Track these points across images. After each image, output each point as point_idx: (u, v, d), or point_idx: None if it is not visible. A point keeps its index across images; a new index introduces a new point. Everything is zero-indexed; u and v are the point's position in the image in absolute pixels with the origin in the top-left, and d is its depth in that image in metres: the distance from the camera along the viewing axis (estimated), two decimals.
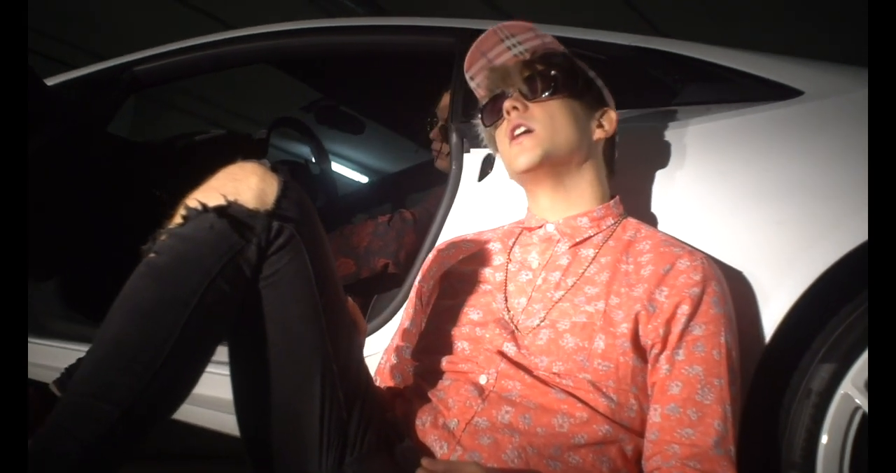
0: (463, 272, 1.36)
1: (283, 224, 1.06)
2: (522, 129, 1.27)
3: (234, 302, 1.03)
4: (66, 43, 5.70)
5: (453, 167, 1.72)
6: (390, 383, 1.40)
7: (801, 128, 1.39)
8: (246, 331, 1.08)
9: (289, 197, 1.07)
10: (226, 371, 1.13)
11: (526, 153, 1.26)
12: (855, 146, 1.28)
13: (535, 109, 1.30)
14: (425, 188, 3.27)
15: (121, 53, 2.35)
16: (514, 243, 1.36)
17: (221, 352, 1.10)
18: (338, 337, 1.11)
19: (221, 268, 1.01)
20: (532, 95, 1.30)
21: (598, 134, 1.34)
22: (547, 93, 1.30)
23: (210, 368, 1.06)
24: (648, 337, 1.15)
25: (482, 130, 1.44)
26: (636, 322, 1.15)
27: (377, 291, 1.99)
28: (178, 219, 1.04)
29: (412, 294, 1.45)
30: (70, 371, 1.81)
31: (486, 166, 1.68)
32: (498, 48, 1.38)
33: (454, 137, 1.73)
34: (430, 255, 1.45)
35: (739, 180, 1.38)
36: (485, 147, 1.70)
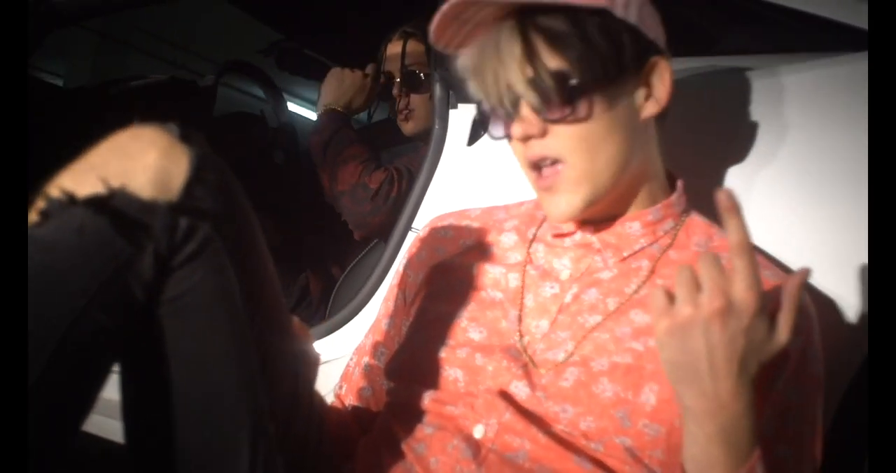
0: (464, 266, 1.01)
1: (195, 221, 0.72)
2: (547, 162, 0.90)
3: (117, 340, 0.70)
4: None
5: (436, 127, 1.42)
6: (356, 401, 1.09)
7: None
8: (138, 378, 0.75)
9: (205, 180, 0.73)
10: None
11: (563, 200, 0.90)
12: None
13: (557, 129, 0.89)
14: (396, 144, 2.96)
15: None
16: (534, 236, 1.01)
17: None
18: (277, 382, 0.78)
19: (97, 291, 0.67)
20: (546, 113, 0.88)
21: (650, 108, 0.93)
22: (568, 112, 0.87)
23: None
24: None
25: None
26: None
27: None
28: (33, 216, 0.69)
29: (394, 281, 1.13)
30: None
31: (478, 127, 1.36)
32: None
33: (437, 89, 1.41)
34: (421, 233, 1.11)
35: (810, 156, 1.09)
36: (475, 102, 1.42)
